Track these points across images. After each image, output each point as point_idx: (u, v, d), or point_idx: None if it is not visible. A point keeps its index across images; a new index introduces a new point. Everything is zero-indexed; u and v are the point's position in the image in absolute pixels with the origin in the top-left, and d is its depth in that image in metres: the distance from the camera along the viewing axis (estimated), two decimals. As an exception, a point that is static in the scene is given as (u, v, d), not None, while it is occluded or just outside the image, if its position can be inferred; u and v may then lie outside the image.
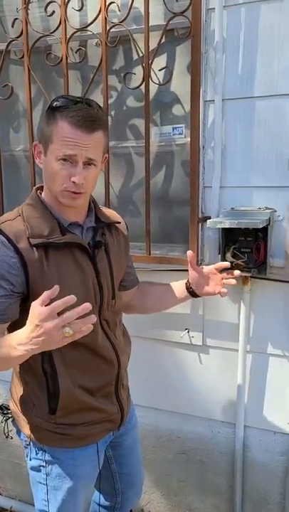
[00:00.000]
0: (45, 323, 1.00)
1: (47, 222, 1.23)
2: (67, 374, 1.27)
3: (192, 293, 1.51)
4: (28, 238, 1.18)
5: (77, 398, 1.29)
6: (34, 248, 1.18)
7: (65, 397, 1.27)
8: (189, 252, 1.46)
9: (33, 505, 1.44)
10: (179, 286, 1.53)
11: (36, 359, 1.25)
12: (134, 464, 1.57)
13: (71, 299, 0.99)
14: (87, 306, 1.00)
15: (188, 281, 1.51)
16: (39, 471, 1.36)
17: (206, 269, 1.49)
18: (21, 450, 1.38)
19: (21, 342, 1.06)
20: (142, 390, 1.84)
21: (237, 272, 1.52)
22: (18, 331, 1.09)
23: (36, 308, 1.02)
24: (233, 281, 1.51)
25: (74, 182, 1.17)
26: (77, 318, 1.01)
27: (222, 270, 1.51)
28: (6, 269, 1.15)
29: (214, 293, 1.49)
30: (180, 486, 2.03)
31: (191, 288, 1.50)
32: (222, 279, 1.50)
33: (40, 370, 1.26)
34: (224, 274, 1.51)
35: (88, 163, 1.18)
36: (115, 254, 1.36)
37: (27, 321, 1.05)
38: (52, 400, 1.28)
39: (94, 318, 1.02)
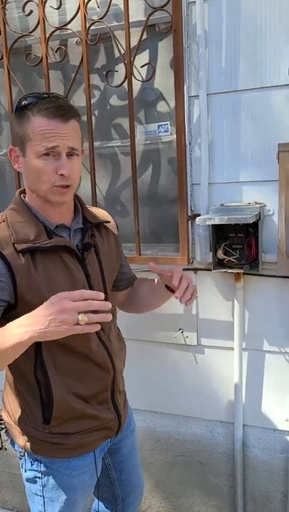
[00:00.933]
0: (62, 301, 0.97)
1: (32, 226, 1.18)
2: (60, 382, 1.23)
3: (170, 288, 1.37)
4: (13, 244, 1.14)
5: (71, 406, 1.25)
6: (20, 254, 1.14)
7: (60, 405, 1.23)
8: (149, 264, 1.33)
9: (31, 517, 1.40)
10: (160, 285, 1.40)
11: (29, 367, 1.21)
12: (133, 470, 1.53)
13: (99, 295, 0.98)
14: (101, 295, 0.98)
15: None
16: (35, 482, 1.32)
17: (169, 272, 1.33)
18: (16, 460, 1.35)
19: (24, 324, 1.00)
20: (138, 393, 1.81)
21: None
22: (17, 319, 1.03)
23: (61, 292, 0.99)
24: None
25: (62, 175, 1.13)
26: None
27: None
28: None
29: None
30: (181, 488, 2.00)
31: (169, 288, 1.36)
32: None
33: (32, 379, 1.22)
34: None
35: (71, 153, 1.15)
36: (106, 256, 1.32)
37: (42, 304, 1.00)
38: (46, 409, 1.24)
39: (110, 316, 0.99)
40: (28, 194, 1.23)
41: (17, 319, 1.04)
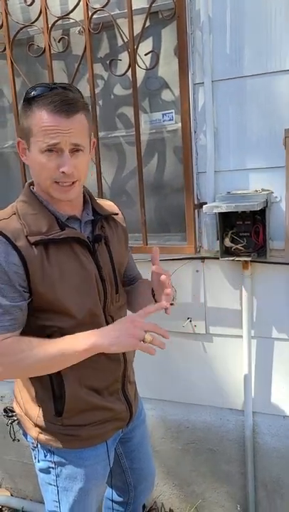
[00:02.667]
0: (136, 318, 1.08)
1: (44, 218, 1.18)
2: (72, 375, 1.23)
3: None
4: (26, 236, 1.13)
5: (83, 399, 1.25)
6: (33, 246, 1.13)
7: (71, 398, 1.24)
8: (153, 249, 1.26)
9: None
10: (149, 289, 1.32)
11: None
12: (144, 459, 1.55)
13: (162, 306, 1.12)
14: (163, 304, 1.11)
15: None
16: (48, 472, 1.33)
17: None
18: (30, 450, 1.36)
19: (97, 333, 1.09)
20: (148, 382, 1.82)
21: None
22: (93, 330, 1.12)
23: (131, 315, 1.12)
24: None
25: (63, 172, 1.12)
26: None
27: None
28: (13, 269, 1.11)
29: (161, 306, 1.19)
30: (192, 475, 2.02)
31: (153, 292, 1.31)
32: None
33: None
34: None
35: (75, 149, 1.13)
36: (116, 247, 1.32)
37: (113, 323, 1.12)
38: (58, 402, 1.24)
39: (164, 346, 1.09)
40: (37, 186, 1.22)
41: (89, 331, 1.11)
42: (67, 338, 1.11)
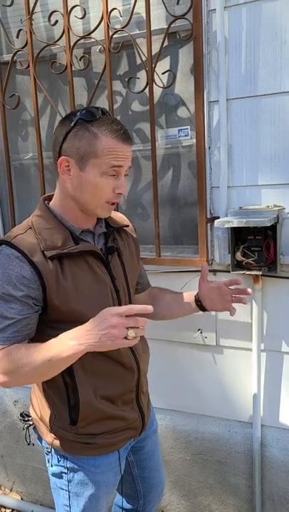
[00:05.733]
0: (114, 318, 1.03)
1: (59, 232, 1.22)
2: (87, 384, 1.26)
3: (200, 306, 1.48)
4: (42, 251, 1.17)
5: (98, 408, 1.28)
6: (49, 260, 1.18)
7: (86, 407, 1.26)
8: (203, 265, 1.46)
9: (54, 510, 1.45)
10: (188, 297, 1.51)
11: None
12: (155, 468, 1.57)
13: (148, 309, 1.03)
14: (149, 308, 1.03)
15: (197, 293, 1.49)
16: (61, 477, 1.36)
17: (216, 283, 1.46)
18: (41, 455, 1.40)
19: (77, 336, 1.06)
20: (157, 391, 1.84)
21: (249, 290, 1.45)
22: (69, 331, 1.09)
23: (110, 308, 1.06)
24: (245, 301, 1.47)
25: (119, 193, 1.21)
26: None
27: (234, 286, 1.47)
28: (25, 283, 1.15)
29: (222, 309, 1.46)
30: (199, 486, 2.03)
31: (199, 301, 1.48)
32: (232, 295, 1.46)
33: (60, 381, 1.25)
34: (235, 291, 1.46)
35: (126, 173, 1.23)
36: (128, 259, 1.36)
37: (92, 319, 1.07)
38: (73, 410, 1.27)
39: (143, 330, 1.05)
40: (61, 201, 1.25)
41: (70, 331, 1.09)
42: (53, 343, 1.10)
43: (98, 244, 1.30)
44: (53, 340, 1.11)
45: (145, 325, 1.06)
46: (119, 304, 1.30)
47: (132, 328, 1.04)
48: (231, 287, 1.46)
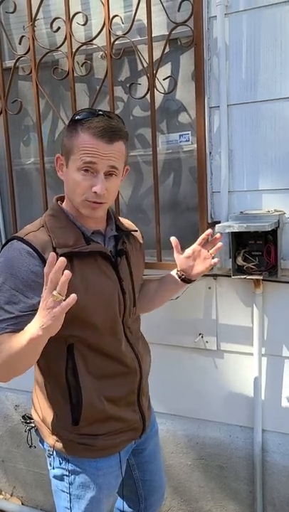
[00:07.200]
0: (44, 293, 1.02)
1: (71, 232, 1.24)
2: (90, 384, 1.27)
3: (185, 279, 1.47)
4: (54, 248, 1.19)
5: (100, 408, 1.29)
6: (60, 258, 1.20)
7: (88, 407, 1.27)
8: (172, 238, 1.45)
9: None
10: (171, 278, 1.51)
11: (60, 369, 1.26)
12: (156, 471, 1.57)
13: (73, 299, 1.00)
14: (62, 259, 1.00)
15: (178, 269, 1.49)
16: (62, 480, 1.36)
17: (190, 249, 1.47)
18: (42, 459, 1.40)
19: (33, 324, 1.06)
20: (158, 396, 1.84)
21: (218, 235, 1.47)
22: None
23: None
24: (220, 244, 1.45)
25: (95, 192, 1.18)
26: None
27: (205, 243, 1.48)
28: (32, 278, 1.15)
29: (206, 269, 1.46)
30: (200, 491, 2.03)
31: (183, 275, 1.47)
32: (209, 251, 1.47)
33: (63, 381, 1.27)
34: (208, 246, 1.48)
35: (110, 172, 1.20)
36: (135, 262, 1.38)
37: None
38: (75, 410, 1.28)
39: (69, 274, 1.01)
40: (67, 201, 1.29)
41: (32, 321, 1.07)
42: (22, 333, 1.09)
43: (108, 246, 1.32)
44: (21, 332, 1.09)
45: (67, 275, 1.01)
46: (125, 306, 1.32)
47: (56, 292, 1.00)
48: (206, 246, 1.47)
